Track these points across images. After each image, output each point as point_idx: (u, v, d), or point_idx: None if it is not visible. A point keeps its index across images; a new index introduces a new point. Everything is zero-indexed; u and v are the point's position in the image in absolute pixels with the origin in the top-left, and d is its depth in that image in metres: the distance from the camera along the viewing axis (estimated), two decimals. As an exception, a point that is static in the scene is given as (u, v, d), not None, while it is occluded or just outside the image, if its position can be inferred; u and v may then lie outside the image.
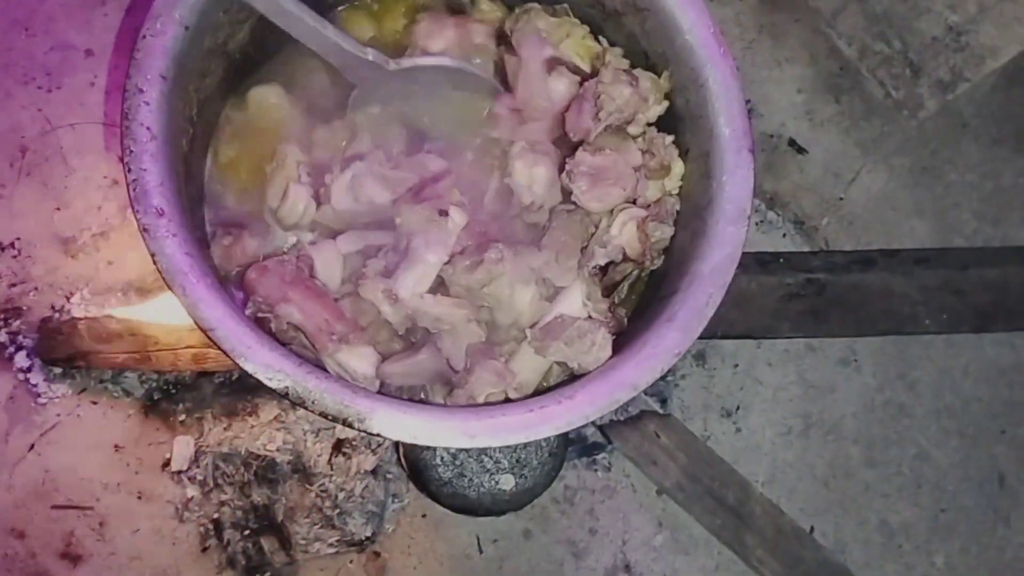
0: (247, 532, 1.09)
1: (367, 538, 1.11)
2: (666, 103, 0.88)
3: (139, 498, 1.10)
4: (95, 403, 1.11)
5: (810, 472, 1.21)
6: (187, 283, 0.69)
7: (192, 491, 1.10)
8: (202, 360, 1.06)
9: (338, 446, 1.11)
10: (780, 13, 1.33)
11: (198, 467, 1.10)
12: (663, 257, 0.85)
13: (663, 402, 1.20)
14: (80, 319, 1.10)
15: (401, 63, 0.85)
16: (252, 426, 1.11)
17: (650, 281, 0.87)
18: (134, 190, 0.70)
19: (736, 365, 1.23)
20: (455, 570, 1.13)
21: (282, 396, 0.69)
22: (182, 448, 1.10)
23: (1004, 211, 1.31)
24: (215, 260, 0.84)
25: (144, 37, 0.74)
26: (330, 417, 0.69)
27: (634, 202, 0.86)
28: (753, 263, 1.14)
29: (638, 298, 0.87)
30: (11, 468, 1.09)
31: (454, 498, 1.00)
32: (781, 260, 1.16)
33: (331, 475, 1.10)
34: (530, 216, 0.87)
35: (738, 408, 1.22)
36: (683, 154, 0.87)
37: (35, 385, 1.11)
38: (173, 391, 1.12)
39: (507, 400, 0.78)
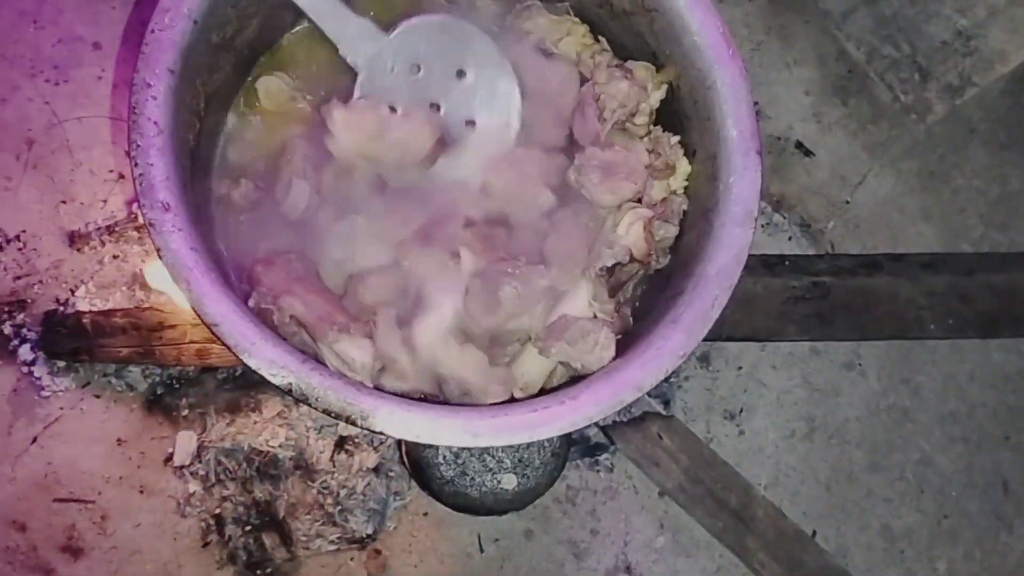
0: (248, 528, 1.09)
1: (368, 536, 1.10)
2: (665, 87, 0.89)
3: (141, 492, 1.10)
4: (98, 397, 1.11)
5: (813, 476, 1.21)
6: (192, 278, 0.69)
7: (194, 486, 1.10)
8: (206, 355, 1.06)
9: (340, 443, 1.11)
10: (789, 15, 1.33)
11: (200, 462, 1.10)
12: (668, 256, 0.85)
13: (666, 404, 1.19)
14: (84, 313, 1.10)
15: (398, 27, 0.86)
16: (255, 422, 1.11)
17: (655, 282, 0.87)
18: (140, 184, 0.70)
19: (740, 367, 1.22)
20: (456, 569, 1.12)
21: (285, 392, 0.69)
22: (185, 443, 1.10)
23: (1012, 216, 1.31)
24: (215, 210, 0.86)
25: (152, 31, 0.74)
26: (333, 414, 0.69)
27: (639, 201, 0.85)
28: (758, 265, 1.14)
29: (643, 299, 0.87)
30: (14, 461, 1.09)
31: (456, 497, 1.00)
32: (787, 263, 1.15)
33: (333, 472, 1.10)
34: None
35: (741, 411, 1.21)
36: (690, 155, 0.87)
37: (39, 378, 1.11)
38: (176, 386, 1.12)
39: (511, 400, 0.78)
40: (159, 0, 0.74)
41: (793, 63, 1.32)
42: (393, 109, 0.86)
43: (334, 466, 1.10)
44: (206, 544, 1.09)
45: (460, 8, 0.92)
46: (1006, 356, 1.27)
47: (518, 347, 0.83)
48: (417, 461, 1.01)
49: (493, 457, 0.99)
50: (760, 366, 1.23)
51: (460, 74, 0.88)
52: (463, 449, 0.99)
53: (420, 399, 0.80)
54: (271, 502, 1.10)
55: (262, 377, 0.69)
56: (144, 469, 1.10)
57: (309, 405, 0.69)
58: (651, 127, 0.90)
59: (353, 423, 0.69)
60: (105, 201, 1.16)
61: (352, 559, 1.11)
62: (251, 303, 0.79)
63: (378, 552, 1.12)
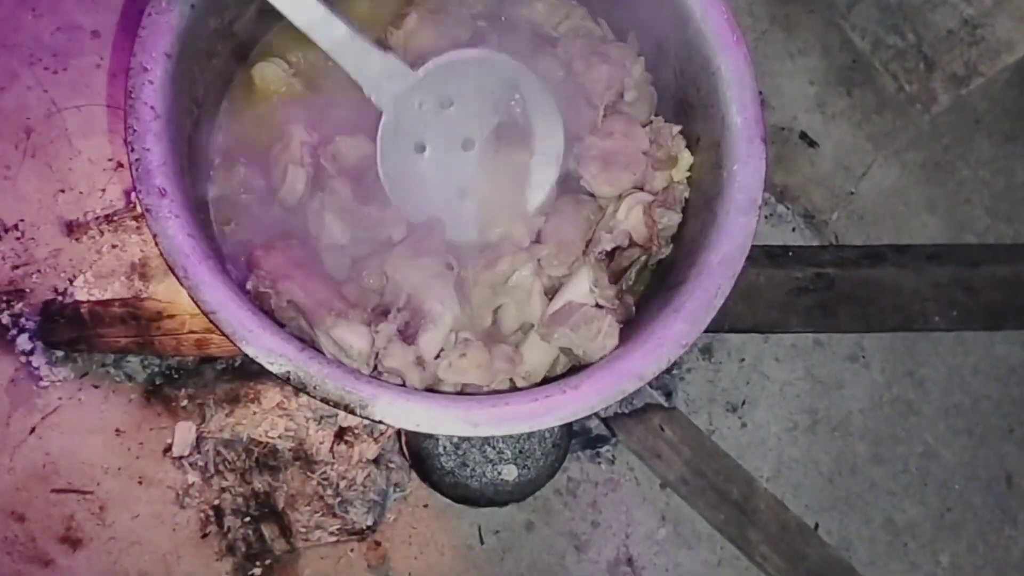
0: (248, 519, 1.09)
1: (368, 527, 1.10)
2: (642, 59, 0.89)
3: (140, 483, 1.09)
4: (97, 387, 1.10)
5: (816, 468, 1.20)
6: (189, 265, 0.68)
7: (193, 477, 1.09)
8: (205, 345, 1.05)
9: (340, 434, 1.10)
10: (793, 4, 1.32)
11: (199, 453, 1.09)
12: (671, 245, 0.84)
13: (668, 395, 1.19)
14: (83, 302, 1.09)
15: (427, 67, 0.80)
16: (254, 413, 1.10)
17: (658, 271, 0.86)
18: (136, 169, 0.69)
19: (743, 359, 1.22)
20: (456, 561, 1.12)
21: (283, 381, 0.68)
22: (183, 434, 1.10)
23: (1017, 208, 1.30)
24: (211, 197, 0.85)
25: (149, 15, 0.73)
26: (332, 403, 0.69)
27: (641, 188, 0.85)
28: (762, 256, 1.13)
29: (646, 288, 0.86)
30: (12, 451, 1.08)
31: (456, 488, 0.99)
32: (790, 254, 1.14)
33: (333, 463, 1.09)
34: None
35: (744, 403, 1.21)
36: (693, 143, 0.86)
37: (37, 368, 1.10)
38: (175, 376, 1.12)
39: (512, 389, 0.77)
40: (156, -17, 0.73)
41: (797, 53, 1.31)
42: (423, 147, 0.83)
43: (334, 457, 1.10)
44: (205, 535, 1.09)
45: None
46: (1011, 348, 1.26)
47: (521, 336, 0.82)
48: (417, 452, 1.00)
49: (494, 448, 0.98)
50: (763, 358, 1.22)
51: (498, 110, 0.84)
52: (463, 440, 0.98)
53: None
54: (270, 493, 1.09)
55: (260, 365, 0.68)
56: (143, 460, 1.10)
57: (307, 393, 0.69)
58: (652, 116, 0.89)
59: (352, 412, 0.69)
60: (104, 190, 1.15)
61: (352, 550, 1.10)
62: (249, 286, 0.79)
63: (378, 544, 1.11)
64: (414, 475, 1.10)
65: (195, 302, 0.68)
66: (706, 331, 0.75)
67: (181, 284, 0.68)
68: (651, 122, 0.87)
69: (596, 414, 1.14)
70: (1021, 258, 1.19)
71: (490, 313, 0.80)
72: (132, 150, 0.69)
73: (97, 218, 1.14)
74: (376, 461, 1.10)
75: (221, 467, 1.09)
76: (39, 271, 1.12)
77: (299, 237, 0.84)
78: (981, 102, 1.31)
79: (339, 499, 1.09)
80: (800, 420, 1.21)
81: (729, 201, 0.78)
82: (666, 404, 1.18)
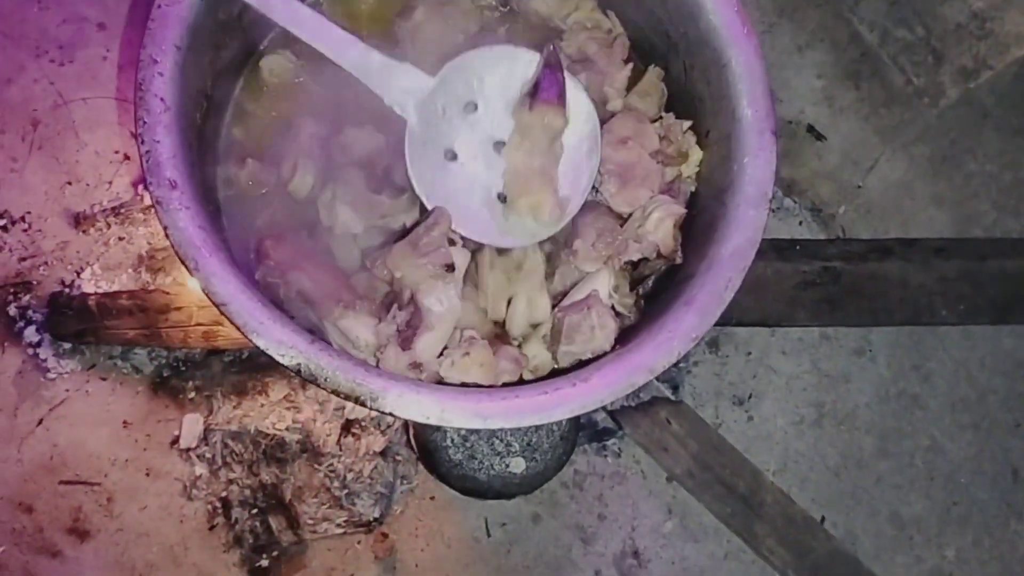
0: (255, 511, 1.09)
1: (375, 519, 1.10)
2: (629, 66, 0.89)
3: (147, 475, 1.09)
4: (104, 379, 1.11)
5: (822, 462, 1.20)
6: (200, 256, 0.68)
7: (200, 469, 1.09)
8: (212, 337, 1.05)
9: (347, 426, 1.10)
10: (801, -3, 1.32)
11: (207, 445, 1.10)
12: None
13: (675, 389, 1.19)
14: (90, 295, 1.09)
15: (441, 71, 0.79)
16: (262, 405, 1.10)
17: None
18: (147, 162, 0.69)
19: (749, 353, 1.22)
20: (463, 553, 1.12)
21: (294, 373, 0.68)
22: (191, 426, 1.10)
23: (1024, 202, 1.30)
24: (221, 189, 0.84)
25: (159, 6, 0.73)
26: (342, 395, 0.69)
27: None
28: (769, 250, 1.13)
29: (655, 281, 0.86)
30: (20, 443, 1.08)
31: (464, 480, 0.99)
32: (798, 247, 1.14)
33: (340, 455, 1.10)
34: None
35: (751, 396, 1.20)
36: (703, 136, 0.86)
37: (44, 360, 1.10)
38: (183, 368, 1.12)
39: (522, 382, 0.77)
40: (166, -23, 0.73)
41: (805, 46, 1.30)
42: (454, 155, 0.81)
43: (341, 449, 1.10)
44: (212, 527, 1.09)
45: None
46: (1017, 342, 1.26)
47: (528, 330, 0.82)
48: (425, 444, 1.00)
49: (502, 440, 0.98)
50: (770, 351, 1.22)
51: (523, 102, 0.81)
52: (471, 432, 0.98)
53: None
54: (278, 485, 1.09)
55: (269, 357, 0.68)
56: (150, 451, 1.10)
57: (318, 386, 0.69)
58: (662, 113, 0.89)
59: (363, 404, 0.68)
60: (111, 182, 1.15)
61: (359, 542, 1.11)
62: (258, 276, 0.79)
63: (385, 536, 1.11)
64: (421, 467, 1.10)
65: (206, 294, 0.68)
66: (713, 324, 0.75)
67: (192, 276, 0.68)
68: (661, 118, 0.87)
69: (603, 407, 1.14)
70: (1028, 252, 1.19)
71: (504, 303, 0.80)
72: (142, 142, 0.69)
73: (104, 210, 1.14)
74: (383, 453, 1.11)
75: (228, 459, 1.09)
76: (46, 263, 1.12)
77: (308, 228, 0.84)
78: (989, 96, 1.31)
79: (346, 491, 1.09)
80: (807, 414, 1.21)
81: (739, 194, 0.77)
82: (673, 397, 1.18)
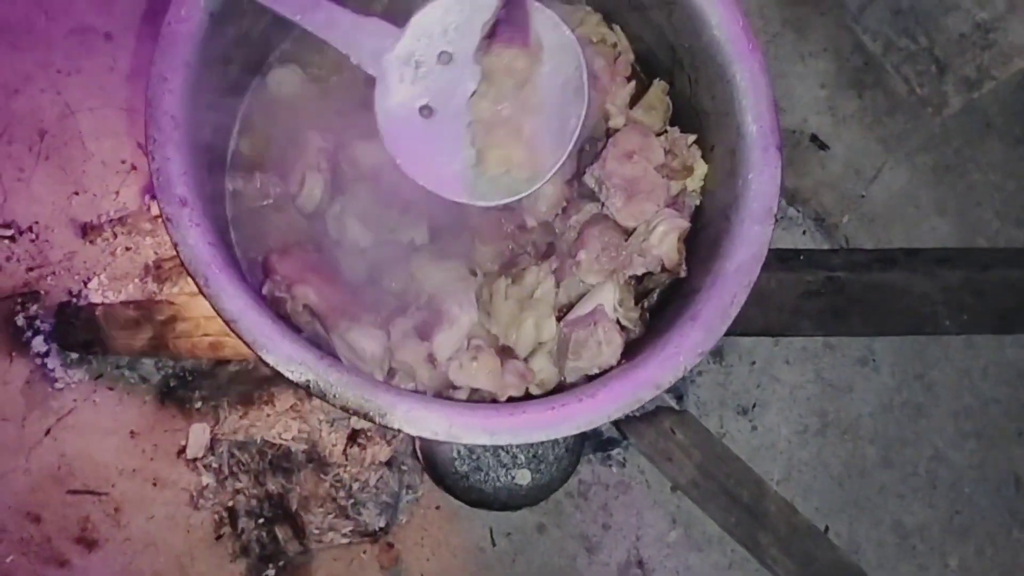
0: (261, 520, 1.09)
1: (381, 529, 1.11)
2: (631, 84, 0.88)
3: (154, 484, 1.10)
4: (111, 389, 1.11)
5: (825, 471, 1.21)
6: (210, 273, 0.69)
7: (207, 479, 1.10)
8: (219, 348, 1.05)
9: (353, 436, 1.11)
10: (805, 7, 1.32)
11: (213, 455, 1.10)
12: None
13: (679, 398, 1.19)
14: (97, 305, 1.10)
15: (411, 21, 0.74)
16: (268, 415, 1.11)
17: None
18: (157, 179, 0.69)
19: (753, 362, 1.22)
20: (468, 563, 1.12)
21: (303, 389, 0.69)
22: (198, 435, 1.11)
23: (1027, 211, 1.30)
24: (228, 203, 0.84)
25: (168, 24, 0.73)
26: (351, 411, 0.69)
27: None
28: (773, 259, 1.11)
29: (660, 294, 0.87)
30: (28, 452, 1.09)
31: (470, 492, 1.00)
32: (801, 257, 1.14)
33: (346, 465, 1.10)
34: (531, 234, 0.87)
35: (754, 406, 1.21)
36: (707, 150, 0.86)
37: (52, 370, 1.11)
38: (190, 378, 1.12)
39: (529, 397, 0.77)
40: (175, -9, 0.74)
41: (808, 55, 1.31)
42: (431, 110, 0.76)
43: (347, 459, 1.10)
44: (219, 536, 1.10)
45: None
46: (1020, 352, 1.26)
47: (534, 344, 0.82)
48: (431, 456, 1.01)
49: (508, 453, 0.99)
50: (773, 361, 1.22)
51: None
52: (477, 444, 0.98)
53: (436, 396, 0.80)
54: (284, 495, 1.10)
55: (279, 373, 0.69)
56: (157, 461, 1.10)
57: (327, 401, 0.69)
58: (667, 127, 0.89)
59: (371, 420, 0.69)
60: (117, 192, 1.16)
61: (364, 552, 1.11)
62: (265, 291, 0.79)
63: (390, 545, 1.12)
64: (426, 477, 1.11)
65: (215, 310, 0.69)
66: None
67: (201, 292, 0.69)
68: (666, 131, 0.87)
69: (607, 417, 1.14)
70: (1031, 262, 1.19)
71: (516, 331, 0.80)
72: (153, 159, 0.70)
73: (111, 220, 1.15)
74: (389, 463, 1.11)
75: (235, 469, 1.10)
76: (53, 273, 1.13)
77: (315, 242, 0.85)
78: (992, 105, 1.31)
79: (352, 501, 1.10)
80: (810, 423, 1.22)
81: (744, 209, 0.78)
82: (677, 407, 1.18)
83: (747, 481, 1.16)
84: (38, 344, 1.11)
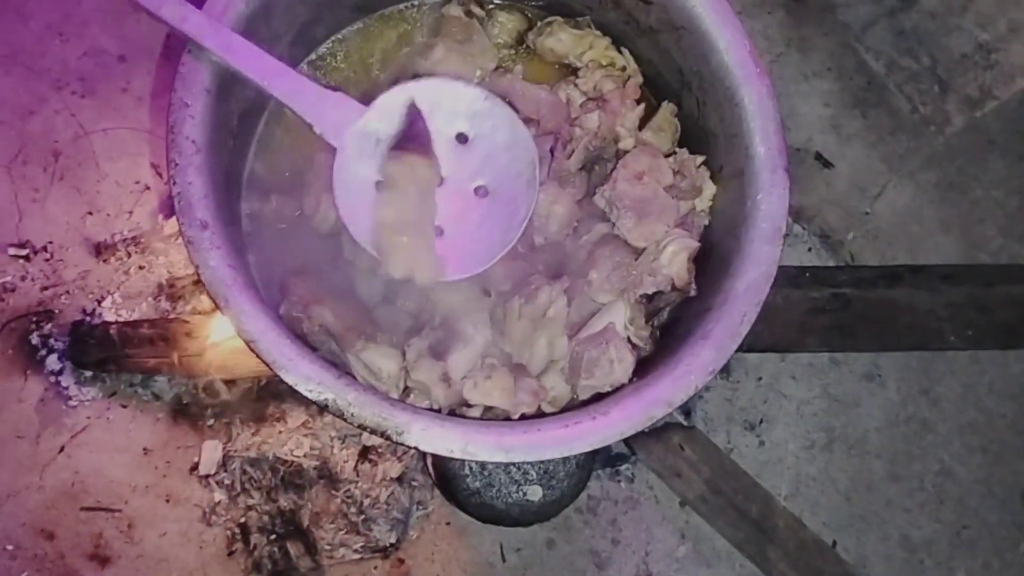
0: (273, 537, 1.10)
1: (391, 545, 1.11)
2: (640, 107, 0.90)
3: (167, 501, 1.11)
4: (125, 406, 1.12)
5: (833, 486, 1.21)
6: (230, 295, 0.70)
7: (219, 495, 1.11)
8: (232, 366, 1.07)
9: (364, 453, 1.12)
10: (808, 27, 1.34)
11: (226, 471, 1.11)
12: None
13: (687, 414, 1.20)
14: (111, 323, 1.11)
15: (377, 100, 0.78)
16: (280, 432, 1.12)
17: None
18: (179, 203, 0.71)
19: (760, 378, 1.23)
20: (479, 578, 1.13)
21: (322, 407, 0.70)
22: (210, 452, 1.11)
23: (1030, 228, 1.32)
24: (245, 224, 0.85)
25: (190, 51, 0.75)
26: (368, 429, 0.70)
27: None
28: (779, 277, 1.13)
29: (671, 313, 0.88)
30: (42, 469, 1.10)
31: (482, 508, 1.01)
32: (807, 274, 1.16)
33: (357, 481, 1.11)
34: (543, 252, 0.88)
35: (762, 421, 1.22)
36: (716, 172, 0.88)
37: (66, 388, 1.12)
38: (202, 396, 1.13)
39: (542, 415, 0.78)
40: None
41: (813, 75, 1.33)
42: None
43: (358, 476, 1.11)
44: (231, 553, 1.10)
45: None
46: (1025, 367, 1.28)
47: (547, 362, 0.84)
48: (443, 472, 1.02)
49: (519, 469, 1.00)
50: (780, 377, 1.23)
51: (461, 138, 0.80)
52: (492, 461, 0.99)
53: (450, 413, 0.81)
54: (296, 511, 1.10)
55: (298, 392, 0.70)
56: (170, 478, 1.11)
57: (345, 420, 0.70)
58: (676, 148, 0.91)
59: (388, 438, 0.70)
60: (131, 212, 1.17)
61: (376, 568, 1.12)
62: (282, 311, 0.81)
63: (401, 561, 1.12)
64: (436, 493, 1.12)
65: (236, 331, 0.70)
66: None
67: (222, 313, 0.70)
68: (675, 152, 0.89)
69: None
70: (1035, 278, 1.20)
71: (529, 349, 0.82)
72: (174, 183, 0.71)
73: (124, 240, 1.16)
74: (399, 479, 1.12)
75: (247, 485, 1.11)
76: (68, 292, 1.14)
77: (331, 262, 0.86)
78: (994, 124, 1.33)
79: (363, 517, 1.11)
80: (817, 438, 1.23)
81: (753, 230, 0.79)
82: (685, 423, 1.19)
83: (755, 496, 1.17)
84: (52, 362, 1.12)
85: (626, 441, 1.17)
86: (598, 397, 0.80)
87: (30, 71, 1.20)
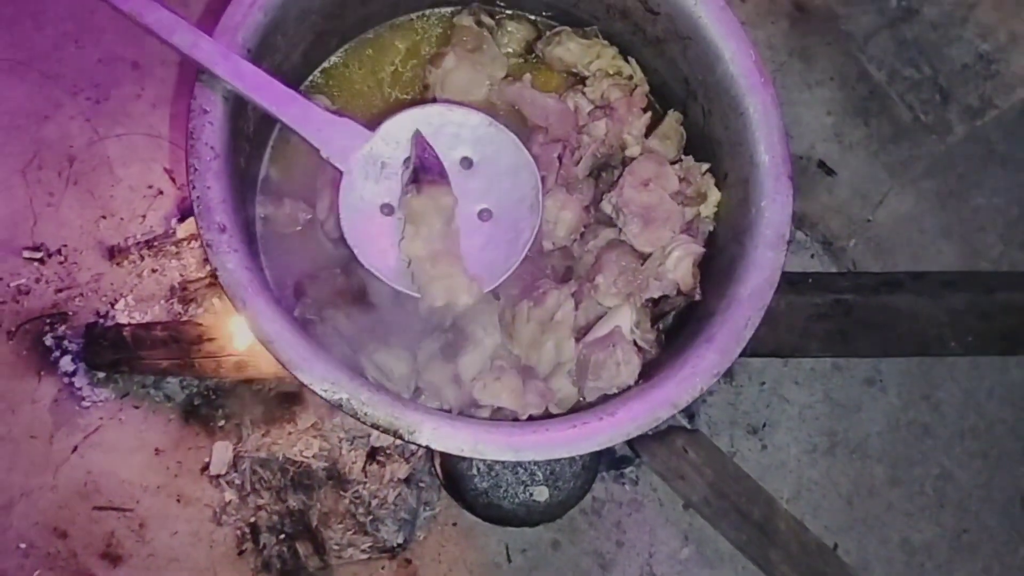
0: (282, 536, 1.12)
1: (399, 545, 1.13)
2: (649, 113, 0.92)
3: (178, 501, 1.12)
4: (137, 407, 1.14)
5: (835, 490, 1.23)
6: (247, 296, 0.72)
7: (230, 495, 1.12)
8: (244, 367, 1.08)
9: (372, 454, 1.13)
10: (811, 37, 1.36)
11: (236, 472, 1.13)
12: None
13: (691, 418, 1.21)
14: (124, 325, 1.12)
15: (382, 124, 0.80)
16: (289, 433, 1.13)
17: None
18: (198, 207, 0.72)
19: (763, 383, 1.24)
20: (485, 579, 1.15)
21: (336, 407, 0.71)
22: (221, 453, 1.13)
23: (1030, 235, 1.33)
24: (259, 228, 0.87)
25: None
26: (381, 429, 0.72)
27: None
28: (782, 282, 1.15)
29: (676, 316, 0.89)
30: (55, 469, 1.12)
31: (489, 508, 1.02)
32: (810, 280, 1.17)
33: (365, 482, 1.12)
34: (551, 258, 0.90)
35: (764, 425, 1.23)
36: (721, 178, 0.90)
37: (79, 389, 1.14)
38: (213, 397, 1.15)
39: (550, 415, 0.80)
40: (215, 29, 0.77)
41: (815, 84, 1.34)
42: (391, 209, 0.81)
43: (366, 476, 1.13)
44: (241, 552, 1.12)
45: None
46: (1025, 373, 1.29)
47: (554, 364, 0.85)
48: (451, 473, 1.03)
49: (526, 470, 1.01)
50: (783, 381, 1.25)
51: (465, 162, 0.83)
52: (496, 461, 1.01)
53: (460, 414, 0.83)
54: (304, 511, 1.12)
55: (313, 392, 0.72)
56: (181, 478, 1.13)
57: (358, 419, 0.72)
58: (681, 156, 0.93)
59: (400, 437, 0.72)
60: (144, 216, 1.19)
61: (383, 568, 1.13)
62: (296, 313, 0.82)
63: (408, 561, 1.14)
64: (443, 493, 1.13)
65: (252, 332, 0.72)
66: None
67: (240, 314, 0.72)
68: (680, 160, 0.90)
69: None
70: (1035, 285, 1.21)
71: (537, 352, 0.83)
72: (193, 188, 0.73)
73: (137, 243, 1.18)
74: (407, 480, 1.13)
75: (257, 486, 1.12)
76: (81, 295, 1.16)
77: (343, 266, 0.88)
78: (995, 132, 1.34)
79: (371, 517, 1.12)
80: (819, 442, 1.24)
81: (758, 236, 0.81)
82: (689, 426, 1.21)
83: (758, 499, 1.18)
84: (66, 363, 1.14)
85: (630, 444, 1.18)
86: (604, 399, 0.82)
87: (45, 77, 1.22)
